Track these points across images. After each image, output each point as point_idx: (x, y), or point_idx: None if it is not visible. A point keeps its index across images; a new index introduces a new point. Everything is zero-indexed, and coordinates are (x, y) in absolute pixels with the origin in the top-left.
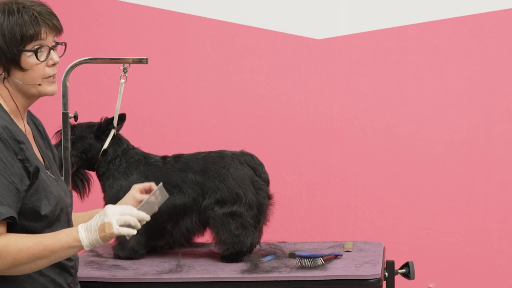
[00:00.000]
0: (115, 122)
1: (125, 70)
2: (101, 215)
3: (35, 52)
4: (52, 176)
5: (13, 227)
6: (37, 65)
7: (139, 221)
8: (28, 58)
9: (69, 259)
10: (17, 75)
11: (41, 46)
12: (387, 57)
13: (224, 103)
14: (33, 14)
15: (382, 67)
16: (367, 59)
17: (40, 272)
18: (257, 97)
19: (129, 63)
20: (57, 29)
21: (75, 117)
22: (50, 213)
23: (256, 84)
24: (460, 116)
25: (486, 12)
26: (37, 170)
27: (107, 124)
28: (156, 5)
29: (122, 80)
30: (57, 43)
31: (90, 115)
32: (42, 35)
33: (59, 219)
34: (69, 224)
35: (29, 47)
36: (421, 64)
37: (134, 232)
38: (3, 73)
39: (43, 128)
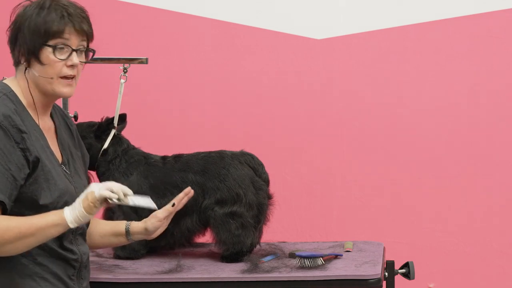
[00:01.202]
0: (115, 122)
1: (125, 70)
2: (83, 193)
3: (54, 49)
4: (67, 171)
5: (5, 212)
6: (55, 62)
7: (124, 194)
8: (48, 54)
9: (72, 252)
10: (35, 68)
11: (63, 45)
12: (387, 57)
13: (224, 103)
14: (63, 13)
15: (382, 67)
16: (367, 59)
17: (35, 261)
18: (257, 97)
19: (129, 63)
20: (85, 33)
21: (75, 117)
22: (50, 204)
23: (256, 84)
24: (460, 116)
25: (486, 12)
26: (37, 160)
27: (107, 124)
28: (156, 5)
29: (122, 80)
30: (86, 48)
31: (90, 115)
32: (66, 34)
33: None
34: None
35: (50, 43)
36: (421, 64)
37: (116, 196)
38: (25, 63)
39: (75, 128)
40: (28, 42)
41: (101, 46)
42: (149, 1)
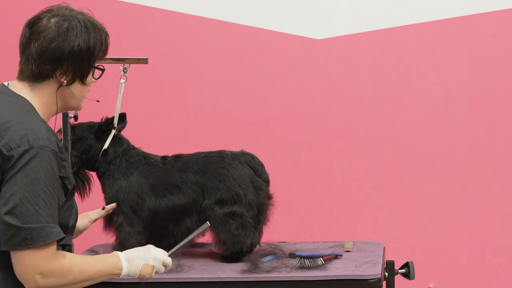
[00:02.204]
0: (115, 122)
1: (125, 70)
2: (145, 253)
3: (96, 69)
4: None
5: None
6: (92, 82)
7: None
8: (92, 75)
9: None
10: (76, 87)
11: (103, 66)
12: (387, 57)
13: (224, 103)
14: (106, 33)
15: (382, 67)
16: (367, 59)
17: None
18: (257, 97)
19: (129, 63)
20: None
21: (75, 117)
22: (73, 225)
23: (256, 84)
24: (460, 116)
25: (486, 12)
26: (73, 188)
27: (107, 124)
28: (156, 5)
29: (122, 80)
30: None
31: (90, 115)
32: (105, 56)
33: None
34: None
35: (97, 65)
36: (421, 64)
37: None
38: (65, 82)
39: None
40: (78, 64)
41: None
42: (149, 1)
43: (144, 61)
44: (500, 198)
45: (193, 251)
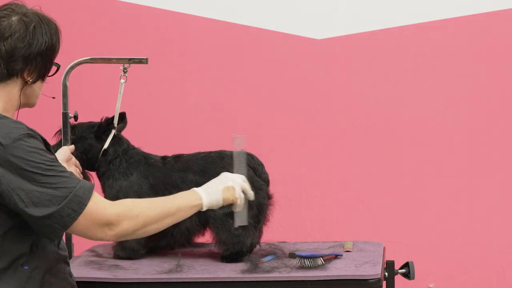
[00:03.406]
0: (115, 122)
1: (125, 70)
2: (221, 178)
3: (58, 67)
4: None
5: None
6: (48, 78)
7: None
8: (50, 71)
9: (63, 249)
10: (37, 85)
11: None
12: (387, 57)
13: (224, 103)
14: (59, 30)
15: (382, 67)
16: (367, 59)
17: (55, 272)
18: (257, 97)
19: (129, 63)
20: None
21: (75, 117)
22: None
23: (256, 84)
24: (460, 116)
25: (486, 12)
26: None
27: (107, 124)
28: (156, 5)
29: (122, 80)
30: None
31: (90, 115)
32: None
33: None
34: None
35: (55, 61)
36: (421, 64)
37: (252, 194)
38: (30, 80)
39: None
40: (44, 62)
41: (101, 46)
42: (149, 1)
43: (144, 61)
44: (500, 198)
45: (193, 251)
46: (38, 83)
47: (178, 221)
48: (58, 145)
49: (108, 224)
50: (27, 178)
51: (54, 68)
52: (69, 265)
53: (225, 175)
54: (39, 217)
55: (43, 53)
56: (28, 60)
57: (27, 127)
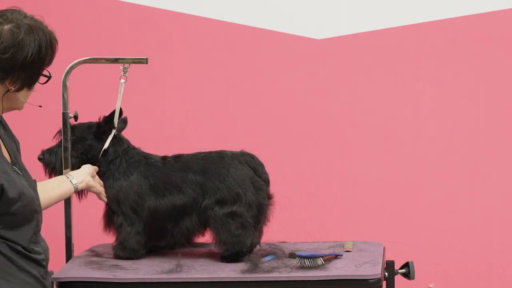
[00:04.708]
0: (115, 122)
1: (125, 70)
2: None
3: (49, 78)
4: (19, 172)
5: None
6: (36, 87)
7: None
8: (38, 81)
9: (38, 252)
10: (22, 93)
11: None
12: (387, 57)
13: (223, 103)
14: (54, 40)
15: (382, 67)
16: (367, 59)
17: (20, 268)
18: (257, 97)
19: (129, 63)
20: None
21: (75, 117)
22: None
23: (256, 84)
24: (460, 116)
25: (486, 12)
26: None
27: (105, 123)
28: (156, 5)
29: (122, 80)
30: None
31: (90, 115)
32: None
33: (31, 218)
34: (40, 216)
35: (44, 72)
36: (421, 64)
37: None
38: (14, 89)
39: (1, 116)
40: (29, 73)
41: (101, 46)
42: (149, 1)
43: (144, 61)
44: (500, 198)
45: (193, 251)
46: (24, 91)
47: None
48: (58, 146)
49: None
50: None
51: (44, 79)
52: (43, 267)
53: None
54: None
55: (28, 66)
56: (10, 72)
57: None
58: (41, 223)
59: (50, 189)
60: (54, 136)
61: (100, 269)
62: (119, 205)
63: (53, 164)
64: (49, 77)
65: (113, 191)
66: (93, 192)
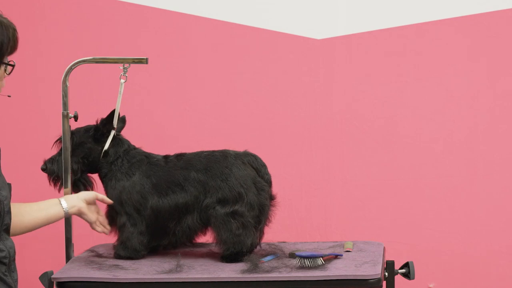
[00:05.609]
0: (115, 122)
1: (125, 70)
2: None
3: (13, 66)
4: None
5: None
6: (2, 78)
7: None
8: (4, 71)
9: (0, 250)
10: None
11: (13, 62)
12: (387, 57)
13: (223, 103)
14: (13, 30)
15: (382, 67)
16: (367, 59)
17: None
18: (257, 97)
19: (129, 63)
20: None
21: (75, 117)
22: None
23: (256, 84)
24: (460, 116)
25: (486, 12)
26: None
27: (103, 125)
28: (156, 5)
29: (122, 80)
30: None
31: (90, 115)
32: (15, 51)
33: None
34: (6, 216)
35: (6, 61)
36: (421, 64)
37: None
38: None
39: None
40: None
41: (101, 46)
42: (149, 1)
43: (144, 61)
44: (500, 198)
45: (193, 251)
46: None
47: None
48: (59, 154)
49: None
50: None
51: (10, 68)
52: (5, 264)
53: None
54: None
55: None
56: None
57: None
58: (7, 222)
59: (37, 210)
60: (54, 145)
61: (100, 269)
62: (122, 206)
63: (56, 173)
64: (13, 66)
65: (116, 191)
66: (85, 219)
